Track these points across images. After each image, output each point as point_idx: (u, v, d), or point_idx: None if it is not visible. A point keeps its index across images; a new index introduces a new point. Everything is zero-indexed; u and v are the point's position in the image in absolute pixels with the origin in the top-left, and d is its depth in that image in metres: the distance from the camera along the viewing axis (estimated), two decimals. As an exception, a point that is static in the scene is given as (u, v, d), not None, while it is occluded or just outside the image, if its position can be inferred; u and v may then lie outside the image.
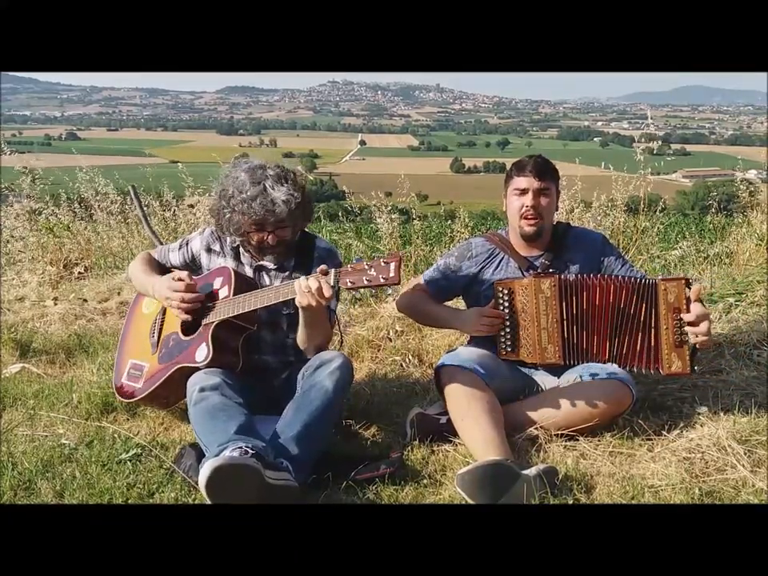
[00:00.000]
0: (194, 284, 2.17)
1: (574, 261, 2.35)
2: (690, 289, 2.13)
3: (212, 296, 2.17)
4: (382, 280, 1.82)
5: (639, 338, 2.18)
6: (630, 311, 2.18)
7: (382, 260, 1.84)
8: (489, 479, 1.80)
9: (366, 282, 1.83)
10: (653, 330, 2.17)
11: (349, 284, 1.86)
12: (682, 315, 2.12)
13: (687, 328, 2.12)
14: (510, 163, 2.46)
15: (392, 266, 1.81)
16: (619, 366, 2.19)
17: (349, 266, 1.88)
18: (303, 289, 1.91)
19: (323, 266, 1.92)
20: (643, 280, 2.20)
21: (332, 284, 1.89)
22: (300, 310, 2.04)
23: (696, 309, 2.11)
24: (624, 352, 2.19)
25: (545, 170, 2.30)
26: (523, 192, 2.30)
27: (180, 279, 2.16)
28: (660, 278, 2.21)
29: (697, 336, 2.11)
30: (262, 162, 2.19)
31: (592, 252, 2.38)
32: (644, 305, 2.17)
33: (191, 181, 5.42)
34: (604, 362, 2.20)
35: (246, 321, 2.13)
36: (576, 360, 2.21)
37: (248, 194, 2.08)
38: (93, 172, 5.56)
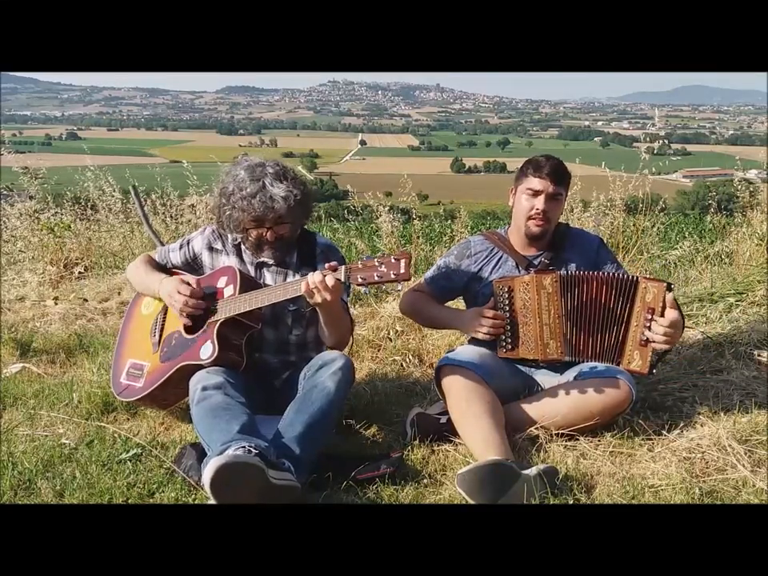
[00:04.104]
0: (200, 291, 2.17)
1: (571, 261, 2.36)
2: (670, 294, 2.11)
3: (217, 294, 2.18)
4: (392, 276, 1.85)
5: (619, 332, 2.18)
6: (612, 306, 2.18)
7: (392, 257, 1.87)
8: (489, 479, 1.80)
9: (376, 278, 1.87)
10: (623, 324, 2.17)
11: (359, 280, 1.89)
12: (654, 317, 2.11)
13: (656, 329, 2.10)
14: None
15: (402, 262, 1.84)
16: (609, 362, 2.19)
17: (359, 262, 1.91)
18: (311, 285, 1.93)
19: (333, 263, 1.95)
20: (625, 276, 2.21)
21: (342, 280, 1.91)
22: (318, 310, 2.06)
23: (670, 314, 2.09)
24: (610, 347, 2.19)
25: (561, 175, 2.30)
26: (536, 193, 2.29)
27: (188, 283, 2.18)
28: (644, 276, 2.21)
29: (662, 337, 2.08)
30: (263, 160, 2.20)
31: (588, 254, 2.39)
32: (621, 300, 2.17)
33: (195, 179, 5.41)
34: (597, 357, 2.20)
35: (252, 319, 2.14)
36: (576, 356, 2.22)
37: (247, 191, 2.10)
38: (99, 171, 5.55)
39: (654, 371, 2.20)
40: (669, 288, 2.11)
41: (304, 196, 2.17)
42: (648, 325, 2.11)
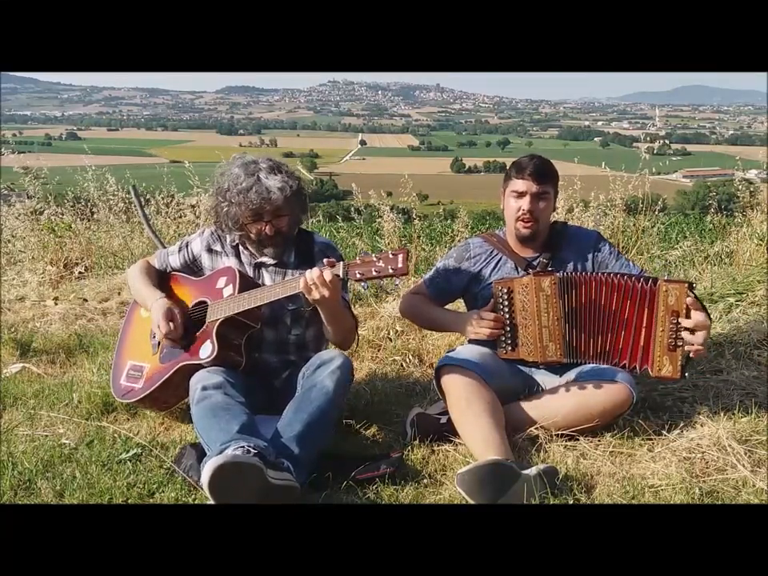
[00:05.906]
0: (179, 333, 2.19)
1: (569, 259, 2.35)
2: (692, 293, 2.08)
3: (216, 295, 2.18)
4: (390, 270, 1.86)
5: (628, 336, 2.15)
6: (616, 308, 2.16)
7: (390, 252, 1.89)
8: (489, 479, 1.79)
9: (374, 273, 1.88)
10: (644, 329, 2.14)
11: (358, 275, 1.90)
12: (680, 320, 2.08)
13: (684, 334, 2.07)
14: (510, 163, 2.45)
15: (400, 257, 1.86)
16: (608, 363, 2.18)
17: (357, 258, 1.92)
18: (309, 281, 1.93)
19: (331, 259, 1.96)
20: (643, 279, 2.17)
21: (341, 275, 1.92)
22: (318, 307, 2.06)
23: (697, 316, 2.06)
24: (610, 349, 2.17)
25: (544, 174, 2.29)
26: (521, 195, 2.29)
27: (171, 320, 2.18)
28: (663, 278, 2.18)
29: (693, 344, 2.06)
30: (255, 157, 2.22)
31: (586, 249, 2.38)
32: (635, 302, 2.14)
33: (196, 179, 5.41)
34: (597, 359, 2.19)
35: (251, 319, 2.14)
36: (576, 358, 2.20)
37: (243, 185, 2.12)
38: (101, 171, 5.55)
39: (687, 374, 2.17)
40: (691, 288, 2.08)
41: (299, 188, 2.19)
42: (674, 329, 2.08)
